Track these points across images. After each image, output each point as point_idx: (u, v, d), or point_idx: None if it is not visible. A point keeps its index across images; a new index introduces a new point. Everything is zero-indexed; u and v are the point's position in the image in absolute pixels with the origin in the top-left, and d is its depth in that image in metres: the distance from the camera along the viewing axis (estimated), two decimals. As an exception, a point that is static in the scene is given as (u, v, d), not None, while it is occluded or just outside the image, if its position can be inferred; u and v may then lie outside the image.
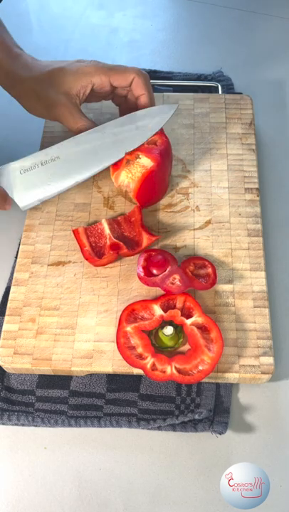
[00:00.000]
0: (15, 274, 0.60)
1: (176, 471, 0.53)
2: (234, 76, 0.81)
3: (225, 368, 0.53)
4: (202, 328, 0.54)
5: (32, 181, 0.58)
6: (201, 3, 0.94)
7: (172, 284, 0.55)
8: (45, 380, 0.57)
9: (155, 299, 0.56)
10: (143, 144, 0.60)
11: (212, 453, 0.54)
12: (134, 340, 0.54)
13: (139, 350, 0.53)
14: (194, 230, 0.63)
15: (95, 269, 0.60)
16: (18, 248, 0.63)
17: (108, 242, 0.60)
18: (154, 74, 0.81)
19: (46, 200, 0.60)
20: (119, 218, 0.63)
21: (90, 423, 0.54)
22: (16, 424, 0.55)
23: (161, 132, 0.61)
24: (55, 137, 0.66)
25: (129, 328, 0.54)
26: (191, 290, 0.57)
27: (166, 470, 0.53)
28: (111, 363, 0.54)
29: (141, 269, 0.57)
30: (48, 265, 0.61)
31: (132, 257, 0.60)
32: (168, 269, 0.57)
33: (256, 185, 0.65)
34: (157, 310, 0.55)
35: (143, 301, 0.56)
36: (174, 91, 0.78)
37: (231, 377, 0.54)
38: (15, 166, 0.58)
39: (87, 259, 0.59)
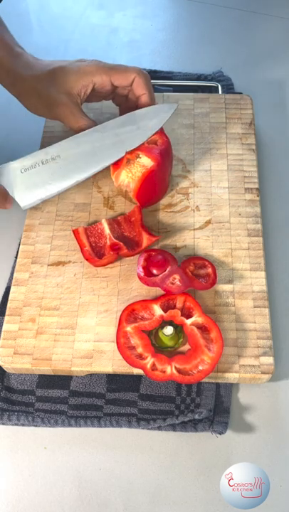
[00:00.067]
0: (15, 274, 0.60)
1: (176, 471, 0.53)
2: (234, 76, 0.81)
3: (225, 368, 0.53)
4: (202, 328, 0.54)
5: (33, 180, 0.58)
6: (201, 3, 0.94)
7: (172, 284, 0.55)
8: (45, 380, 0.57)
9: (155, 299, 0.56)
10: (143, 144, 0.60)
11: (212, 453, 0.54)
12: (134, 340, 0.54)
13: (139, 350, 0.53)
14: (194, 230, 0.63)
15: (95, 269, 0.60)
16: (18, 248, 0.63)
17: (108, 242, 0.60)
18: (154, 74, 0.81)
19: (47, 199, 0.60)
20: (119, 218, 0.63)
21: (90, 423, 0.54)
22: (16, 424, 0.55)
23: (161, 132, 0.61)
24: (55, 137, 0.66)
25: (129, 328, 0.54)
26: (191, 290, 0.57)
27: (166, 470, 0.53)
28: (111, 363, 0.54)
29: (141, 269, 0.57)
30: (48, 265, 0.61)
31: (132, 257, 0.60)
32: (168, 269, 0.57)
33: (256, 185, 0.65)
34: (157, 310, 0.55)
35: (143, 301, 0.56)
36: (174, 91, 0.78)
37: (231, 377, 0.54)
38: (15, 165, 0.58)
39: (87, 259, 0.59)
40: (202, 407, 0.54)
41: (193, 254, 0.61)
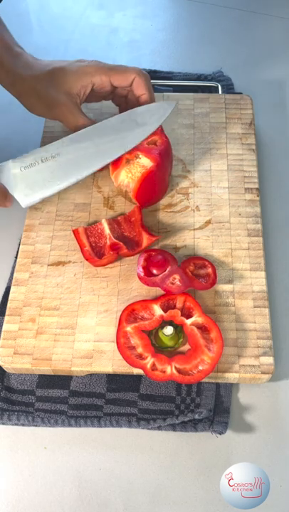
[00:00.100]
0: (15, 274, 0.60)
1: (176, 471, 0.53)
2: (234, 76, 0.81)
3: (225, 367, 0.53)
4: (202, 328, 0.54)
5: (33, 178, 0.58)
6: (201, 3, 0.94)
7: (172, 284, 0.55)
8: (45, 380, 0.57)
9: (155, 299, 0.56)
10: (143, 144, 0.60)
11: (212, 453, 0.54)
12: (134, 340, 0.54)
13: (139, 350, 0.53)
14: (194, 230, 0.63)
15: (95, 269, 0.60)
16: (18, 248, 0.63)
17: (108, 242, 0.60)
18: (154, 74, 0.81)
19: (47, 198, 0.59)
20: (119, 218, 0.63)
21: (90, 423, 0.54)
22: (16, 424, 0.55)
23: (161, 132, 0.61)
24: (55, 137, 0.66)
25: (129, 328, 0.54)
26: (191, 290, 0.57)
27: (166, 470, 0.53)
28: (111, 363, 0.54)
29: (141, 269, 0.57)
30: (48, 265, 0.61)
31: (132, 257, 0.60)
32: (168, 269, 0.57)
33: (256, 185, 0.65)
34: (157, 310, 0.55)
35: (143, 301, 0.56)
36: (174, 91, 0.78)
37: (231, 377, 0.54)
38: (15, 163, 0.58)
39: (87, 259, 0.59)
40: (202, 407, 0.54)
41: (193, 254, 0.61)
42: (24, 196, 0.58)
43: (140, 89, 0.61)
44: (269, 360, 0.54)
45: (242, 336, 0.55)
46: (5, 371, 0.57)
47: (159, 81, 0.79)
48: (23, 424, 0.55)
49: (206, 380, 0.53)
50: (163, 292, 0.56)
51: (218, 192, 0.65)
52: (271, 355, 0.54)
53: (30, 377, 0.57)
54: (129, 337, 0.54)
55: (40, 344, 0.56)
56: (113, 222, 0.62)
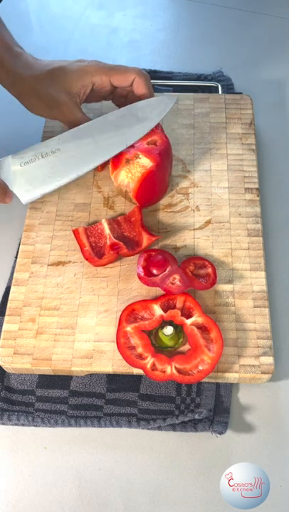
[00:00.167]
0: (15, 274, 0.60)
1: (176, 471, 0.53)
2: (234, 76, 0.81)
3: (225, 367, 0.53)
4: (202, 328, 0.54)
5: (33, 174, 0.58)
6: (201, 3, 0.94)
7: (172, 284, 0.55)
8: (45, 380, 0.57)
9: (155, 299, 0.56)
10: (143, 144, 0.60)
11: (212, 453, 0.54)
12: (134, 340, 0.54)
13: (139, 350, 0.53)
14: (194, 230, 0.63)
15: (95, 269, 0.60)
16: (18, 248, 0.63)
17: (108, 242, 0.60)
18: (154, 74, 0.81)
19: (47, 198, 0.59)
20: (119, 218, 0.63)
21: (90, 423, 0.54)
22: (16, 424, 0.55)
23: (161, 132, 0.61)
24: (55, 137, 0.66)
25: (129, 328, 0.54)
26: (191, 290, 0.57)
27: (166, 470, 0.53)
28: (111, 363, 0.54)
29: (141, 269, 0.57)
30: (48, 265, 0.61)
31: (132, 257, 0.60)
32: (168, 269, 0.57)
33: (256, 185, 0.65)
34: (157, 310, 0.55)
35: (143, 301, 0.56)
36: (174, 91, 0.78)
37: (231, 377, 0.54)
38: (15, 159, 0.58)
39: (87, 259, 0.59)
40: (202, 407, 0.54)
41: (193, 254, 0.61)
42: (24, 192, 0.57)
43: (140, 90, 0.61)
44: (269, 360, 0.54)
45: (242, 336, 0.55)
46: (5, 371, 0.57)
47: (159, 81, 0.79)
48: (23, 424, 0.55)
49: (206, 380, 0.53)
50: (163, 292, 0.56)
51: (218, 192, 0.65)
52: (271, 355, 0.54)
53: (30, 377, 0.57)
54: (129, 337, 0.54)
55: (40, 344, 0.56)
56: (113, 222, 0.62)
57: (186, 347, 0.55)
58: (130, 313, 0.55)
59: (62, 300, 0.58)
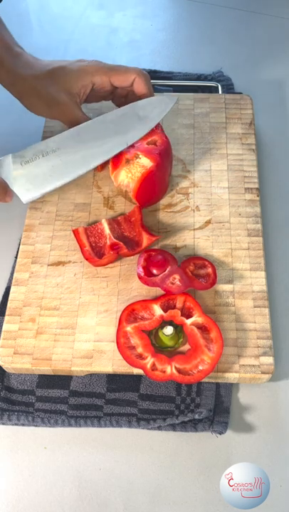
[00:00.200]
0: (15, 274, 0.60)
1: (176, 471, 0.53)
2: (234, 76, 0.81)
3: (225, 367, 0.53)
4: (202, 328, 0.54)
5: (33, 173, 0.58)
6: (201, 3, 0.94)
7: (172, 284, 0.55)
8: (45, 380, 0.57)
9: (155, 299, 0.56)
10: (143, 144, 0.60)
11: (212, 453, 0.54)
12: (134, 340, 0.54)
13: (139, 350, 0.53)
14: (194, 230, 0.63)
15: (95, 269, 0.60)
16: (18, 248, 0.63)
17: (108, 242, 0.60)
18: (154, 74, 0.81)
19: (47, 197, 0.59)
20: (119, 218, 0.63)
21: (90, 423, 0.54)
22: (16, 424, 0.55)
23: (161, 132, 0.61)
24: (55, 137, 0.66)
25: (129, 328, 0.54)
26: (191, 290, 0.57)
27: (166, 470, 0.53)
28: (111, 362, 0.54)
29: (141, 269, 0.57)
30: (48, 265, 0.61)
31: (132, 257, 0.60)
32: (168, 269, 0.57)
33: (256, 185, 0.65)
34: (157, 310, 0.55)
35: (143, 301, 0.56)
36: (174, 91, 0.78)
37: (231, 377, 0.54)
38: (15, 158, 0.58)
39: (87, 259, 0.59)
40: (202, 407, 0.54)
41: (193, 254, 0.61)
42: (25, 191, 0.57)
43: (141, 90, 0.61)
44: (269, 360, 0.54)
45: (242, 336, 0.55)
46: (5, 371, 0.57)
47: (159, 81, 0.79)
48: (23, 424, 0.55)
49: (206, 380, 0.53)
50: (163, 292, 0.56)
51: (218, 192, 0.65)
52: (271, 355, 0.54)
53: (30, 377, 0.57)
54: (129, 337, 0.54)
55: (40, 344, 0.56)
56: (113, 222, 0.62)
57: (186, 347, 0.55)
58: (130, 313, 0.55)
59: (62, 300, 0.58)
